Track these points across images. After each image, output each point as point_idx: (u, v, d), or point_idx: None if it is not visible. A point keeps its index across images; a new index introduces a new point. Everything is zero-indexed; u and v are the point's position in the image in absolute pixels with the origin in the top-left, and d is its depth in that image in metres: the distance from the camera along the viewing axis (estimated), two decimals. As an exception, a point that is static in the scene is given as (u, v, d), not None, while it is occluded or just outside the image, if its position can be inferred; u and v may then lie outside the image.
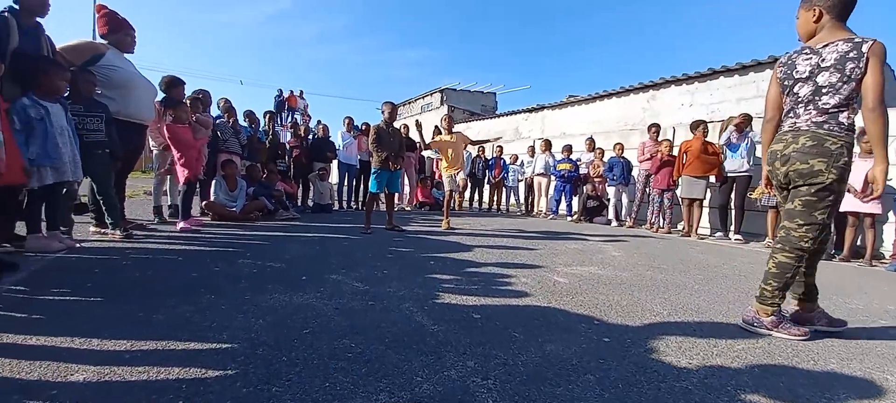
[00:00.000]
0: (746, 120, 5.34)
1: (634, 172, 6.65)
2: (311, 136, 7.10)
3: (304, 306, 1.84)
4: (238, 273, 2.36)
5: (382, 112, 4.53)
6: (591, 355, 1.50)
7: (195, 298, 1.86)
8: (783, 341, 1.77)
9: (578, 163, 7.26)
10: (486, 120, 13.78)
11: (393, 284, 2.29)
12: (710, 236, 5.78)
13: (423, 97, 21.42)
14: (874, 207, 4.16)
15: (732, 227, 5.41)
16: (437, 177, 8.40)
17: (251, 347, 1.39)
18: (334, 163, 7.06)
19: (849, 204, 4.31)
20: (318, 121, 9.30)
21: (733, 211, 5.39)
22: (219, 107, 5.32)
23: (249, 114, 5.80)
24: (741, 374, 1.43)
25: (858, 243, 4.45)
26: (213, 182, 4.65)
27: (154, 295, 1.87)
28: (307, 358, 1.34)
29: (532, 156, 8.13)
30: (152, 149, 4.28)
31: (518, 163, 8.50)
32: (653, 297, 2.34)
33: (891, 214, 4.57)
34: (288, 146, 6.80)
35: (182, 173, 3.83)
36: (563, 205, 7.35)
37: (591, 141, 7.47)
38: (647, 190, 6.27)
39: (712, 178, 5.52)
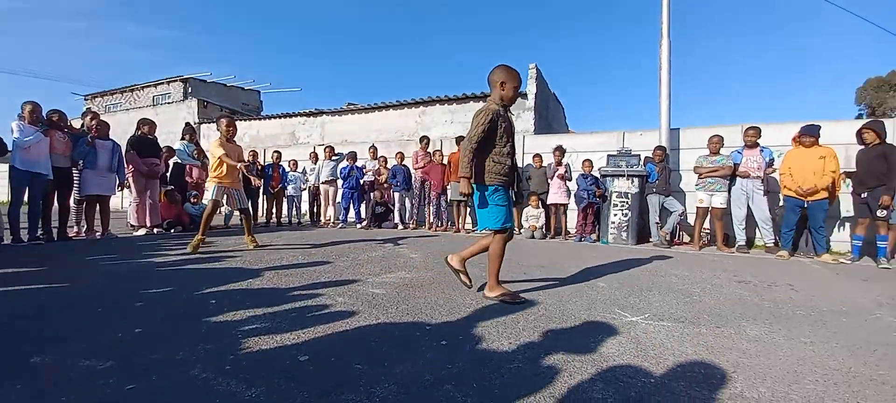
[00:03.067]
0: None
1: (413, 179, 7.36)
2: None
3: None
4: None
5: (496, 84, 2.37)
6: (439, 364, 1.48)
7: None
8: (550, 306, 2.29)
9: (364, 170, 7.37)
10: (252, 121, 12.08)
11: (159, 348, 1.60)
12: (472, 230, 7.04)
13: (156, 85, 16.73)
14: (562, 198, 6.11)
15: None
16: (190, 187, 6.68)
17: None
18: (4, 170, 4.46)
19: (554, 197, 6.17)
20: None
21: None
22: None
23: None
24: (545, 343, 1.73)
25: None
26: None
27: None
28: None
29: (315, 163, 7.68)
30: None
31: (299, 170, 7.85)
32: (460, 291, 2.58)
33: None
34: None
35: None
36: (351, 213, 7.29)
37: (374, 149, 7.74)
38: (424, 194, 7.09)
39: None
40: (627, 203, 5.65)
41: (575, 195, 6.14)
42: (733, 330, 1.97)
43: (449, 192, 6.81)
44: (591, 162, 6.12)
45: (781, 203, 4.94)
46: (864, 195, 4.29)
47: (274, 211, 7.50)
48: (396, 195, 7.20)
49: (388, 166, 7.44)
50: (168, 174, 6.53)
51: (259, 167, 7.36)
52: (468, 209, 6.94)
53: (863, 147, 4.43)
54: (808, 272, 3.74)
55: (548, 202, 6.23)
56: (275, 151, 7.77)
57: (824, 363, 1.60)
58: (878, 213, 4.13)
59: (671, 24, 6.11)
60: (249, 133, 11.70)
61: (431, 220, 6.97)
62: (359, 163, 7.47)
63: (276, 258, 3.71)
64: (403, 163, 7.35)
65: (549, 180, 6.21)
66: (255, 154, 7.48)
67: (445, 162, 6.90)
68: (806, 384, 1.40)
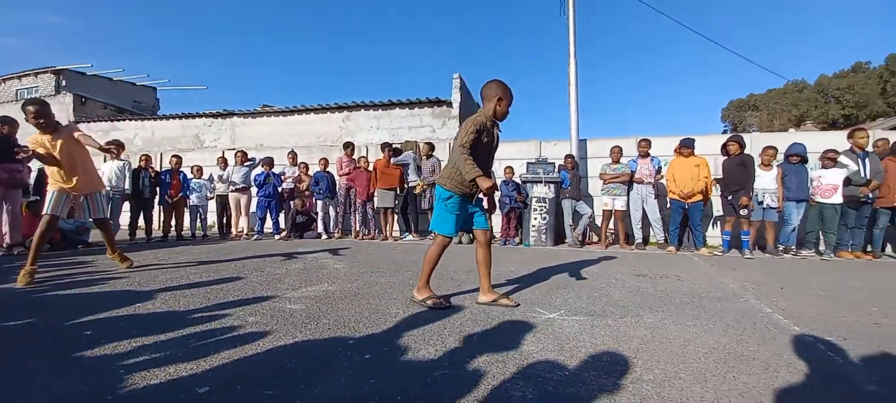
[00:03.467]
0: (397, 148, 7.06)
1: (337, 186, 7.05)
2: None
3: None
4: None
5: (492, 98, 2.38)
6: (362, 380, 1.41)
7: None
8: (475, 309, 2.34)
9: (283, 176, 6.87)
10: (146, 121, 10.59)
11: (16, 394, 1.29)
12: (400, 237, 6.95)
13: (20, 77, 13.93)
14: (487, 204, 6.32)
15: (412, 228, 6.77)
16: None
17: None
18: None
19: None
20: None
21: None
22: None
23: None
24: (469, 347, 1.75)
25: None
26: None
27: None
28: None
29: (224, 169, 6.97)
30: None
31: (205, 177, 7.05)
32: (387, 301, 2.51)
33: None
34: None
35: None
36: (268, 223, 6.73)
37: (294, 154, 7.27)
38: (349, 202, 6.84)
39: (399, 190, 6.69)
40: (545, 207, 6.05)
41: (499, 201, 6.40)
42: (634, 319, 2.20)
43: (376, 199, 6.65)
44: (512, 169, 6.45)
45: (669, 205, 5.70)
46: (729, 197, 5.14)
47: (173, 223, 6.61)
48: (319, 203, 6.83)
49: (310, 173, 7.04)
50: (32, 182, 5.44)
51: (152, 173, 6.44)
52: (396, 216, 6.85)
53: (727, 157, 5.31)
54: (690, 264, 4.34)
55: (473, 208, 6.40)
56: (174, 156, 6.87)
57: (705, 342, 1.84)
58: (741, 213, 4.98)
59: (577, 46, 6.77)
60: (142, 135, 10.24)
61: (358, 228, 6.74)
62: (276, 170, 6.94)
63: (175, 276, 3.26)
64: (327, 169, 7.01)
65: (474, 186, 6.39)
66: (148, 158, 6.53)
67: (371, 168, 6.74)
68: (692, 362, 1.61)
